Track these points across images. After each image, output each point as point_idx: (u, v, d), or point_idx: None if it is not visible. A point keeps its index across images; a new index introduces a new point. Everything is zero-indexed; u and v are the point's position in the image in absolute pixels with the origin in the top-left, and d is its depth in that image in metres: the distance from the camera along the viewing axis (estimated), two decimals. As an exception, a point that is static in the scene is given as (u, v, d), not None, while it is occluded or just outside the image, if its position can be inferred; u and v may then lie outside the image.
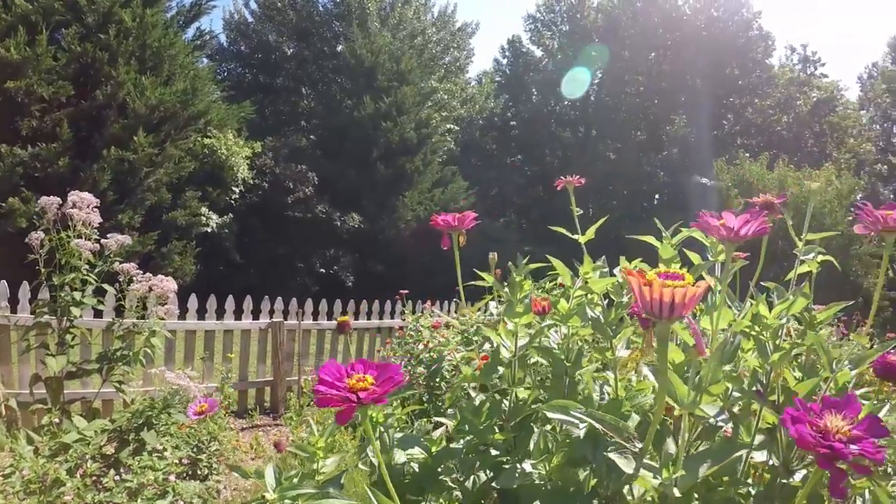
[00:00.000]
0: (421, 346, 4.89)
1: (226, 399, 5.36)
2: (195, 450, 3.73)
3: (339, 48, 21.65)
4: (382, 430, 1.68)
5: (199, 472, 3.70)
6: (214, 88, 16.55)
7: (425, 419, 4.34)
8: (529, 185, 28.79)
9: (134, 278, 4.07)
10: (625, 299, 1.58)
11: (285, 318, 6.57)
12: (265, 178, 16.61)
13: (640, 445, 0.93)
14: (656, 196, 29.06)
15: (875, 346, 1.40)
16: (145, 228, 12.48)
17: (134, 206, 12.36)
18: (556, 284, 5.08)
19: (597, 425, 0.96)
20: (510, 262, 1.82)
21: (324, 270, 17.19)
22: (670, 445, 0.99)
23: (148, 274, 4.26)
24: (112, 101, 11.99)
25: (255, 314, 6.49)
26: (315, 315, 7.01)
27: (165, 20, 13.58)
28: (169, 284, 4.15)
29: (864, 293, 19.29)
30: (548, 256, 2.00)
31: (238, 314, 6.31)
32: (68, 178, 11.43)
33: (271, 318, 6.51)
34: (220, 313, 6.16)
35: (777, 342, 1.37)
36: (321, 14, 24.16)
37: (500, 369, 1.60)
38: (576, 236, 1.90)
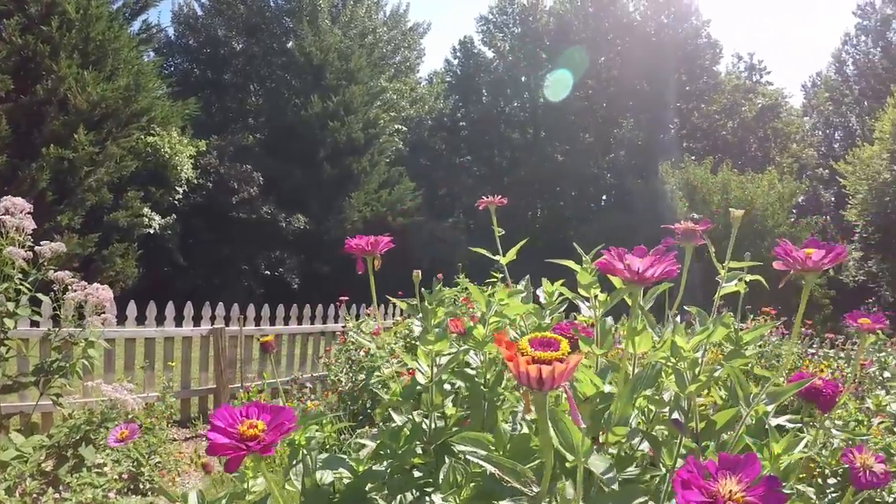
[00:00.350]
0: (363, 353, 4.83)
1: (168, 409, 5.20)
2: (135, 464, 3.61)
3: (290, 45, 21.33)
4: (305, 452, 1.64)
5: (140, 487, 3.60)
6: (160, 84, 16.08)
7: (369, 426, 4.28)
8: (478, 185, 28.93)
9: (70, 287, 3.91)
10: (546, 320, 1.56)
11: (227, 324, 6.44)
12: (209, 177, 16.26)
13: (537, 490, 0.89)
14: (603, 197, 29.50)
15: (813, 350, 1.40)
16: (86, 230, 11.96)
17: (74, 207, 11.86)
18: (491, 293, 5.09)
19: (490, 468, 0.92)
20: (460, 265, 1.82)
21: (269, 272, 16.92)
22: (568, 490, 0.96)
23: (83, 283, 4.10)
24: (53, 96, 11.45)
25: (197, 320, 6.35)
26: (258, 320, 6.88)
27: (110, 12, 13.10)
28: (105, 293, 4.00)
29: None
30: (460, 280, 2.00)
31: (179, 320, 6.16)
32: (7, 177, 11.06)
33: (213, 324, 6.37)
34: (160, 320, 6.00)
35: (696, 371, 1.35)
36: (272, 10, 23.79)
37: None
38: (496, 257, 1.87)
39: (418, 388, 1.56)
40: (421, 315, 1.57)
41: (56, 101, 11.53)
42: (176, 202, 15.21)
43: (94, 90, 11.80)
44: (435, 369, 1.53)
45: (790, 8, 55.36)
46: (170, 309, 6.03)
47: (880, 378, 4.55)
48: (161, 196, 14.50)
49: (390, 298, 2.29)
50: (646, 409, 1.46)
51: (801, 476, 2.69)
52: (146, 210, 13.94)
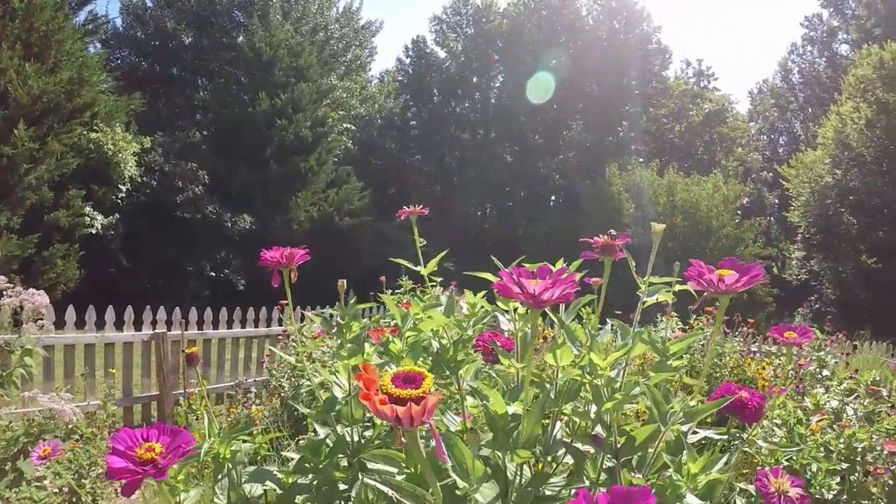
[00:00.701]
0: (305, 358, 4.77)
1: (110, 417, 5.05)
2: (76, 476, 3.51)
3: (240, 40, 20.86)
4: (230, 466, 1.61)
5: (82, 500, 3.50)
6: (105, 78, 15.48)
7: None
8: (428, 185, 29.01)
9: (4, 292, 3.77)
10: (469, 332, 1.56)
11: (169, 328, 6.28)
12: (154, 175, 15.89)
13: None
14: (552, 198, 29.80)
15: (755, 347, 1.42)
16: (26, 230, 11.49)
17: (13, 206, 11.39)
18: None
19: (389, 492, 0.90)
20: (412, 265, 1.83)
21: (214, 274, 16.56)
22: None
23: (18, 288, 3.97)
24: None
25: (138, 325, 6.16)
26: (201, 324, 6.73)
27: (56, 2, 12.60)
28: (41, 298, 3.87)
29: (750, 290, 20.52)
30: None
31: (120, 325, 5.99)
32: None
33: (154, 328, 6.19)
34: (100, 325, 5.80)
35: (618, 385, 1.36)
36: (222, 3, 23.19)
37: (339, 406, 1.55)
38: (418, 268, 1.87)
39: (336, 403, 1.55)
40: (336, 330, 1.55)
41: None
42: (119, 201, 14.75)
43: (36, 83, 11.36)
44: (353, 383, 1.52)
45: (739, 17, 56.95)
46: (110, 313, 5.80)
47: (820, 376, 4.71)
48: (104, 195, 14.02)
49: (306, 313, 2.26)
50: (570, 423, 1.45)
51: (745, 472, 2.76)
52: (88, 209, 13.45)
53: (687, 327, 5.62)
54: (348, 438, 1.52)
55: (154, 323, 6.22)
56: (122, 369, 5.93)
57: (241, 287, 16.66)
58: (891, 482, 2.42)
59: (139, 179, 15.30)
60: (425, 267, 1.88)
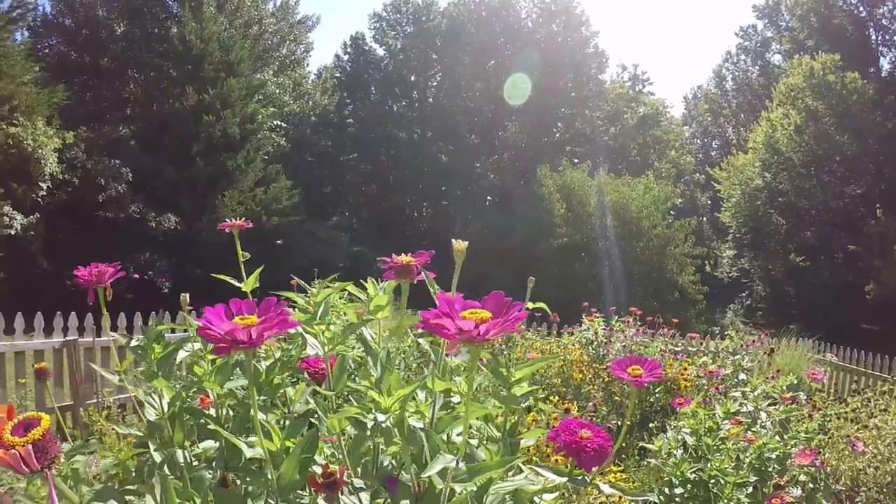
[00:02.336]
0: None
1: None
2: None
3: (173, 31, 20.07)
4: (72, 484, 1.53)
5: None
6: (30, 68, 14.77)
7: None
8: (364, 184, 28.90)
9: None
10: (293, 351, 1.52)
11: (81, 335, 6.05)
12: (76, 173, 15.25)
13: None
14: (488, 198, 29.98)
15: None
16: None
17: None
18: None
19: None
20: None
21: (138, 276, 16.05)
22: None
23: None
24: None
25: (49, 332, 5.94)
26: (115, 328, 6.49)
27: None
28: None
29: (680, 288, 21.06)
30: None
31: (31, 332, 5.76)
32: None
33: (65, 335, 5.94)
34: (10, 331, 5.59)
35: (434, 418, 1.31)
36: (156, -10, 22.24)
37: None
38: (239, 284, 1.83)
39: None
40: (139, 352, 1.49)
41: None
42: (40, 200, 14.15)
43: None
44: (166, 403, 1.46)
45: (675, 25, 58.66)
46: (19, 320, 5.61)
47: (736, 380, 4.79)
48: (23, 193, 13.44)
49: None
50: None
51: (654, 483, 2.75)
52: (7, 208, 12.92)
53: (608, 329, 5.68)
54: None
55: (65, 329, 5.98)
56: (33, 379, 5.60)
57: (166, 290, 16.16)
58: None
59: (61, 177, 14.63)
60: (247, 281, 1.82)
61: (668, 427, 3.05)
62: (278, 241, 17.88)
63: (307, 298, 1.57)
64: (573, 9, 30.42)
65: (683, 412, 2.71)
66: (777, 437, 2.73)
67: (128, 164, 16.29)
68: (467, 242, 1.46)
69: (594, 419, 3.84)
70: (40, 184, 13.79)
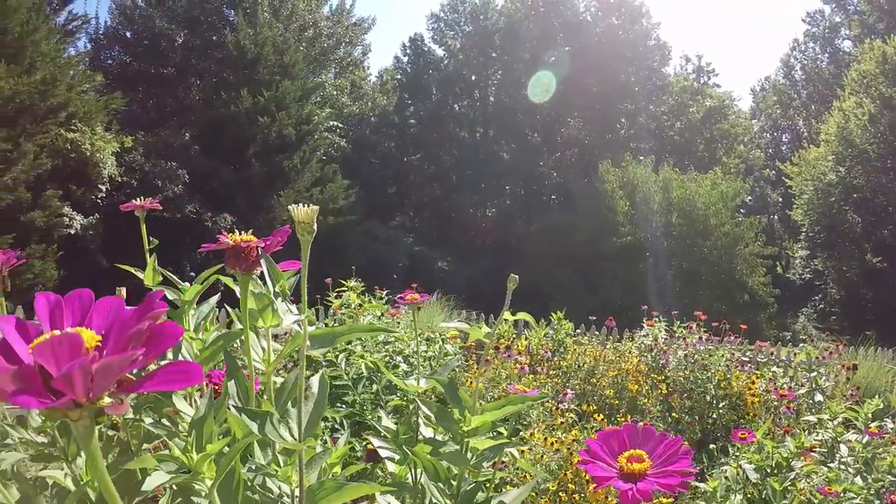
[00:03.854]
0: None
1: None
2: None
3: (229, 37, 20.62)
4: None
5: None
6: (89, 77, 15.41)
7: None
8: (427, 184, 28.72)
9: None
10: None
11: None
12: (134, 175, 15.66)
13: None
14: (552, 196, 29.46)
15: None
16: (2, 231, 11.35)
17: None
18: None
19: None
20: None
21: (194, 274, 16.04)
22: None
23: None
24: None
25: None
26: None
27: (34, 3, 12.59)
28: None
29: (750, 290, 20.03)
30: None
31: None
32: None
33: None
34: None
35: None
36: (212, 1, 22.99)
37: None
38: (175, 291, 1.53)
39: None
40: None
41: None
42: (99, 201, 14.51)
43: (7, 84, 11.29)
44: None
45: (739, 13, 56.27)
46: None
47: (811, 402, 4.21)
48: (83, 195, 13.85)
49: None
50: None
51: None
52: (67, 209, 13.26)
53: (669, 335, 5.16)
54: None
55: None
56: None
57: (223, 288, 16.23)
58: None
59: (119, 179, 15.05)
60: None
61: (729, 449, 2.63)
62: (333, 241, 17.90)
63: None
64: (632, 0, 29.57)
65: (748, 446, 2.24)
66: (859, 478, 2.21)
67: (185, 166, 16.58)
68: (517, 276, 1.24)
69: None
70: (99, 186, 14.22)
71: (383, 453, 1.29)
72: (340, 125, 24.76)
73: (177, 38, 22.31)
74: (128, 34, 22.99)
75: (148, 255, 1.53)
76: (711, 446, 3.61)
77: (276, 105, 18.12)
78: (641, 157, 23.32)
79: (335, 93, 25.36)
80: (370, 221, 21.01)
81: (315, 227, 1.04)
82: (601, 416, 3.29)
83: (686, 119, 30.39)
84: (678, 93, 30.71)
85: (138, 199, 1.58)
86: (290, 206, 1.04)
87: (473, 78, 30.52)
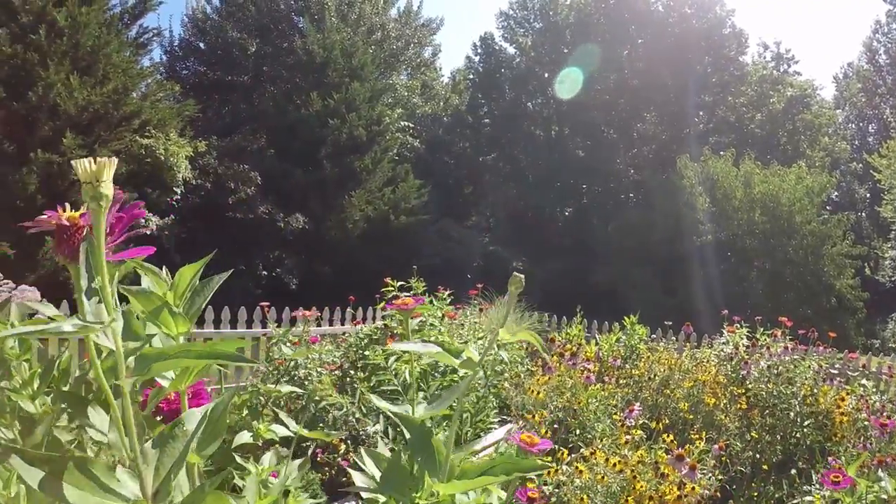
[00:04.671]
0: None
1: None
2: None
3: (298, 43, 21.17)
4: None
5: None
6: (164, 84, 16.15)
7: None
8: (502, 184, 28.43)
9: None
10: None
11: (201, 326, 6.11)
12: (208, 178, 16.06)
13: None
14: (630, 195, 28.72)
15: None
16: None
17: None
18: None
19: None
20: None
21: (266, 273, 16.54)
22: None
23: (9, 282, 3.64)
24: (43, 102, 11.66)
25: None
26: (218, 323, 6.53)
27: (105, 18, 13.13)
28: (33, 294, 3.56)
29: (837, 294, 18.90)
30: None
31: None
32: None
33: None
34: None
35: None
36: (281, 10, 23.58)
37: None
38: None
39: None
40: None
41: (46, 108, 11.71)
42: (174, 203, 15.09)
43: (81, 95, 11.84)
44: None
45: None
46: None
47: None
48: (158, 197, 14.37)
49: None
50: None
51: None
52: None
53: (751, 342, 4.72)
54: None
55: None
56: None
57: (293, 286, 16.59)
58: None
59: (194, 182, 15.55)
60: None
61: (813, 475, 2.31)
62: (406, 240, 18.02)
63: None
64: (705, -13, 28.46)
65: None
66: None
67: (257, 168, 16.95)
68: (522, 275, 1.16)
69: (722, 459, 3.07)
70: (174, 188, 14.76)
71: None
72: (412, 125, 24.91)
73: (249, 46, 23.13)
74: (201, 45, 23.94)
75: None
76: (793, 470, 3.26)
77: (346, 107, 18.35)
78: (721, 152, 22.24)
79: (406, 94, 25.49)
80: (444, 221, 20.97)
81: (109, 190, 0.78)
82: (671, 435, 3.01)
83: (767, 110, 29.02)
84: (757, 82, 29.39)
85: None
86: (73, 161, 0.79)
87: (546, 75, 30.04)
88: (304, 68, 19.43)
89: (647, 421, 3.19)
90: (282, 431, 1.59)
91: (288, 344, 4.19)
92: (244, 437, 1.56)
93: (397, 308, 1.33)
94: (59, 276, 10.95)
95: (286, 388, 1.77)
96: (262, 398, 2.78)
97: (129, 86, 13.09)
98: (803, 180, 19.03)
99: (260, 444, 3.25)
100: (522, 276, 1.05)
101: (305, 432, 1.55)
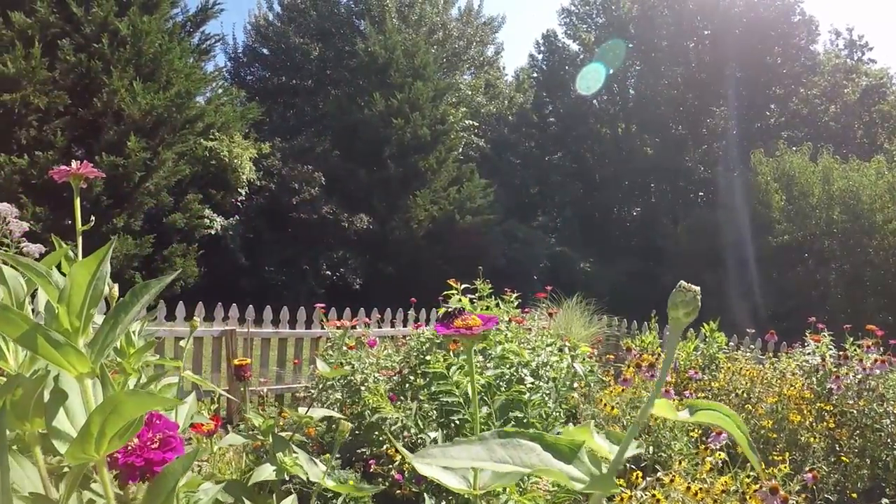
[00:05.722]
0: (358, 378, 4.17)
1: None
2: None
3: (360, 45, 21.35)
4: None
5: None
6: (229, 89, 16.74)
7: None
8: (569, 183, 27.90)
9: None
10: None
11: (241, 325, 6.27)
12: (272, 179, 16.23)
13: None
14: (700, 193, 27.84)
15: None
16: (146, 231, 12.49)
17: (131, 211, 12.35)
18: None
19: None
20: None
21: (330, 273, 16.49)
22: None
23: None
24: (108, 108, 12.11)
25: (210, 320, 6.33)
26: (276, 323, 6.54)
27: (168, 27, 13.67)
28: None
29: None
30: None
31: (210, 321, 6.22)
32: (63, 185, 11.53)
33: (226, 324, 6.18)
34: (175, 317, 6.03)
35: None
36: (341, 13, 23.81)
37: None
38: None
39: None
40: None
41: (111, 113, 12.18)
42: (239, 204, 15.39)
43: (144, 99, 12.24)
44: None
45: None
46: (181, 308, 6.02)
47: None
48: (223, 198, 14.72)
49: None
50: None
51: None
52: (207, 211, 14.22)
53: (841, 354, 4.29)
54: None
55: (226, 319, 6.24)
56: (191, 363, 5.97)
57: (357, 286, 16.56)
58: None
59: (258, 183, 15.79)
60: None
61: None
62: (471, 240, 17.88)
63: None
64: (770, -25, 27.26)
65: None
66: None
67: (321, 169, 17.04)
68: None
69: (808, 486, 2.78)
70: (239, 189, 15.12)
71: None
72: (477, 125, 24.79)
73: (311, 51, 23.52)
74: (265, 51, 24.50)
75: (80, 240, 1.25)
76: (885, 501, 2.95)
77: (410, 106, 18.31)
78: (794, 147, 21.14)
79: (470, 93, 25.40)
80: (510, 221, 20.68)
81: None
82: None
83: (841, 101, 27.61)
84: (830, 72, 27.95)
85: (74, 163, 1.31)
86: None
87: (611, 71, 29.46)
88: (367, 70, 19.49)
89: (728, 440, 2.93)
90: (313, 470, 1.40)
91: (344, 347, 4.09)
92: (265, 471, 1.36)
93: (457, 334, 0.90)
94: (123, 274, 11.30)
95: (319, 413, 1.57)
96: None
97: (192, 90, 13.44)
98: (884, 175, 17.90)
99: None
100: (697, 289, 0.70)
101: (331, 484, 1.35)
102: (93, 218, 1.39)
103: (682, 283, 0.71)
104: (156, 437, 0.77)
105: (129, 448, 0.75)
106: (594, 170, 28.23)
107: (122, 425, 0.71)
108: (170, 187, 13.07)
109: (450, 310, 0.95)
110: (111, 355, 1.10)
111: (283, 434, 1.46)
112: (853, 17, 60.21)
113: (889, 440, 3.53)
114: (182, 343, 5.78)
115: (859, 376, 3.76)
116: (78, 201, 1.28)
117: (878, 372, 3.73)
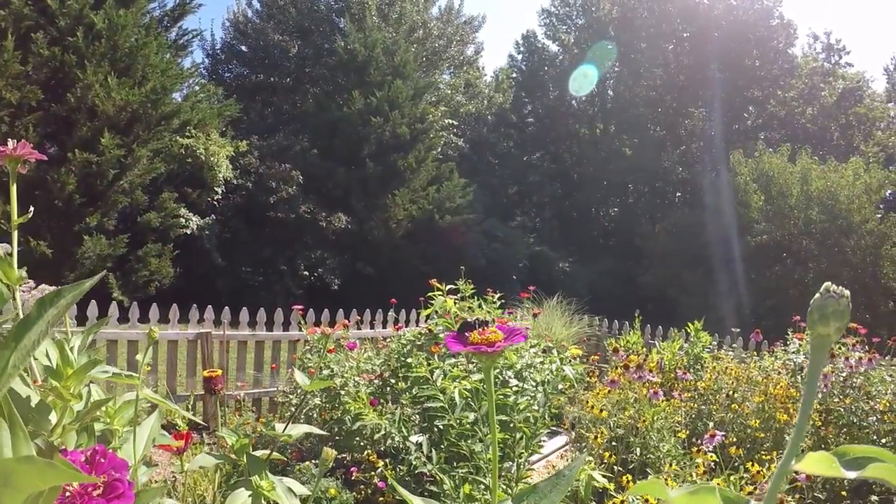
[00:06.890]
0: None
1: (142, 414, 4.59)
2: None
3: (340, 43, 21.15)
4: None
5: None
6: (206, 86, 16.48)
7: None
8: (547, 183, 27.96)
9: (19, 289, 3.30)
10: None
11: (216, 328, 6.00)
12: (249, 177, 16.00)
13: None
14: (678, 193, 28.03)
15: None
16: (120, 231, 12.25)
17: (104, 210, 12.08)
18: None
19: None
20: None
21: (308, 273, 16.28)
22: None
23: (31, 282, 3.57)
24: (82, 103, 11.82)
25: (185, 323, 6.08)
26: (253, 325, 6.32)
27: (144, 21, 13.36)
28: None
29: (896, 298, 17.97)
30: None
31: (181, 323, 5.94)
32: (37, 182, 11.36)
33: (201, 327, 5.96)
34: (164, 320, 5.77)
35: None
36: (321, 11, 23.60)
37: None
38: None
39: None
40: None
41: (85, 108, 11.87)
42: (215, 203, 15.11)
43: (118, 95, 11.96)
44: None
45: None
46: (154, 311, 5.62)
47: None
48: (198, 197, 14.47)
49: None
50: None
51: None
52: (183, 211, 13.96)
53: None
54: None
55: (201, 321, 6.03)
56: (166, 366, 5.83)
57: (335, 287, 16.37)
58: None
59: (235, 182, 15.54)
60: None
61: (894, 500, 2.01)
62: (450, 240, 17.76)
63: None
64: (750, -22, 27.52)
65: None
66: None
67: (299, 168, 16.83)
68: None
69: (797, 485, 2.73)
70: (215, 188, 14.82)
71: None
72: (456, 123, 24.70)
73: (290, 48, 23.25)
74: (243, 48, 24.17)
75: (14, 231, 1.13)
76: (874, 497, 2.91)
77: (389, 105, 18.16)
78: (772, 149, 21.31)
79: (449, 92, 25.33)
80: (489, 221, 20.60)
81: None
82: (739, 450, 2.69)
83: (818, 104, 27.94)
84: (808, 75, 28.26)
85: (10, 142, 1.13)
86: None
87: (599, 72, 29.52)
88: (346, 68, 19.30)
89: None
90: (298, 489, 1.30)
91: (318, 355, 3.99)
92: (240, 497, 1.26)
93: (476, 351, 0.75)
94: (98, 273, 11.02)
95: (297, 430, 1.45)
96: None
97: (169, 86, 13.19)
98: (861, 176, 18.12)
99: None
100: (847, 293, 0.57)
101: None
102: (31, 209, 1.24)
103: (831, 286, 0.57)
104: (100, 479, 0.64)
105: (67, 495, 0.63)
106: (573, 170, 28.29)
107: (22, 500, 0.53)
108: (144, 185, 12.83)
109: (469, 321, 0.79)
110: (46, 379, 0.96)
111: (259, 453, 1.35)
112: (831, 22, 61.13)
113: (875, 437, 3.53)
114: (160, 346, 5.68)
115: (844, 374, 3.75)
116: (14, 188, 1.13)
117: (863, 369, 3.71)
